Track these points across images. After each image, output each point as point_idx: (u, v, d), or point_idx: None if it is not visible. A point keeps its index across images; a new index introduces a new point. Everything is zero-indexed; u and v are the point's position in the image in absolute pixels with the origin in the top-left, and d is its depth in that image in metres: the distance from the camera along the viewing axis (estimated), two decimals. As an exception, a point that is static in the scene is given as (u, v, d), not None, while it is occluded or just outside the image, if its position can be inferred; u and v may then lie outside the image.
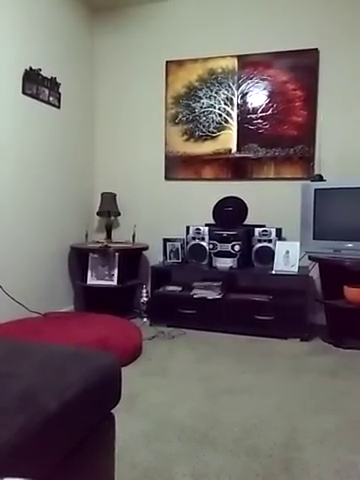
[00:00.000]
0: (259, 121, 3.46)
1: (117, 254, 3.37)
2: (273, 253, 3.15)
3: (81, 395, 0.97)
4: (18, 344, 1.21)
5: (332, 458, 1.53)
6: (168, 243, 3.43)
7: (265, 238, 3.23)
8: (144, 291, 3.45)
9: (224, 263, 3.22)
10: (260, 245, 3.23)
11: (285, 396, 2.06)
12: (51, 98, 3.25)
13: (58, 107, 3.36)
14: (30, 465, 0.82)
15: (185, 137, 3.66)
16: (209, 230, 3.32)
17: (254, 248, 3.24)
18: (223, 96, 3.54)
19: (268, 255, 3.18)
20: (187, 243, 3.40)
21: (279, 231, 3.26)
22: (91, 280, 3.40)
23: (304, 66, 3.33)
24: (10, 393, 0.90)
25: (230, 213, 3.33)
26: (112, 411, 1.18)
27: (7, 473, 0.77)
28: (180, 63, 3.63)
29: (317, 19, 3.31)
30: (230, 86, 3.52)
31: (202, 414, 1.86)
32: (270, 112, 3.43)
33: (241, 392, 2.10)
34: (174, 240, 3.42)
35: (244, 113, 3.49)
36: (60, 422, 0.91)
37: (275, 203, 3.45)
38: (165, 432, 1.70)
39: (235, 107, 3.51)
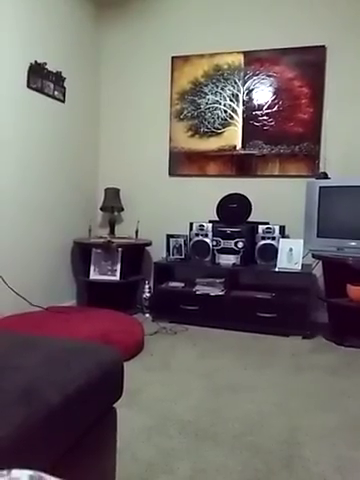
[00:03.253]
0: (264, 118, 3.44)
1: (120, 249, 3.37)
2: (276, 250, 3.15)
3: (84, 389, 0.97)
4: (21, 337, 1.22)
5: (333, 455, 1.53)
6: (171, 239, 3.43)
7: (269, 235, 3.22)
8: (147, 287, 3.46)
9: (227, 260, 3.22)
10: (263, 242, 3.23)
11: (286, 393, 2.07)
12: (56, 92, 3.25)
13: (63, 101, 3.35)
14: (32, 458, 0.82)
15: (190, 133, 3.65)
16: (213, 227, 3.32)
17: (257, 245, 3.24)
18: (229, 92, 3.52)
19: (271, 252, 3.18)
20: (190, 239, 3.40)
21: (283, 228, 3.25)
22: (94, 275, 3.40)
23: (311, 63, 3.31)
24: (13, 386, 0.90)
25: (234, 210, 3.32)
26: (114, 405, 1.18)
27: (10, 466, 0.77)
28: (186, 59, 3.62)
29: (324, 16, 3.28)
30: (236, 82, 3.50)
31: (203, 410, 1.86)
32: (276, 109, 3.41)
33: (242, 388, 2.10)
34: (177, 236, 3.42)
35: (249, 110, 3.48)
36: (62, 416, 0.91)
37: (279, 200, 3.44)
38: (166, 427, 1.70)
39: (240, 103, 3.50)
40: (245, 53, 3.46)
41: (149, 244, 3.61)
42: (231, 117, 3.53)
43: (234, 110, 3.51)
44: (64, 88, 3.34)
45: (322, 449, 1.58)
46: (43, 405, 0.87)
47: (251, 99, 3.47)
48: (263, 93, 3.44)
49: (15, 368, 0.98)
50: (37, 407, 0.86)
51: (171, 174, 3.73)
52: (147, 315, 3.39)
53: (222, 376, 2.25)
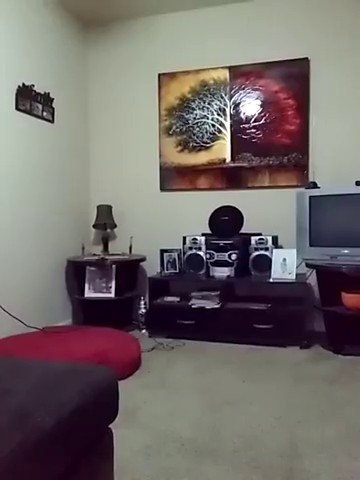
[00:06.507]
0: (252, 130, 3.48)
1: (114, 266, 3.36)
2: (270, 261, 3.16)
3: (77, 411, 0.97)
4: (14, 361, 1.21)
5: (334, 466, 1.52)
6: (165, 254, 3.43)
7: (262, 246, 3.23)
8: (142, 303, 3.45)
9: (221, 272, 3.22)
10: (257, 253, 3.24)
11: (285, 405, 2.05)
12: (45, 113, 3.27)
13: (52, 122, 3.38)
14: (27, 484, 0.81)
15: (179, 148, 3.68)
16: (206, 240, 3.32)
17: (251, 256, 3.25)
18: (216, 107, 3.57)
19: (265, 263, 3.19)
20: (184, 253, 3.40)
21: (275, 239, 3.27)
22: (89, 293, 3.39)
23: (295, 75, 3.37)
24: (6, 411, 0.89)
25: (226, 222, 3.33)
26: (110, 426, 1.17)
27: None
28: (172, 75, 3.67)
29: (306, 29, 3.36)
30: (222, 97, 3.55)
31: (202, 426, 1.85)
32: (263, 121, 3.46)
33: (241, 402, 2.09)
34: (171, 251, 3.42)
35: (237, 123, 3.52)
36: (56, 439, 0.90)
37: (271, 211, 3.46)
38: (165, 445, 1.68)
39: (228, 117, 3.54)
40: (230, 68, 3.51)
41: (143, 259, 3.61)
42: (219, 131, 3.57)
43: (222, 124, 3.56)
44: (53, 108, 3.37)
45: (323, 461, 1.56)
46: (36, 429, 0.86)
47: (238, 113, 3.52)
48: (250, 106, 3.49)
49: (8, 392, 0.98)
50: (30, 431, 0.85)
51: (162, 189, 3.75)
52: (143, 331, 3.37)
53: (220, 390, 2.24)
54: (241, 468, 1.52)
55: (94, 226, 3.77)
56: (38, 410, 0.91)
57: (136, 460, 1.58)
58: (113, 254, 3.62)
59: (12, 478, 0.78)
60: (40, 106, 3.21)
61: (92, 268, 3.39)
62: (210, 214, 3.40)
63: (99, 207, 3.73)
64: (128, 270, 3.52)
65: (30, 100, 3.09)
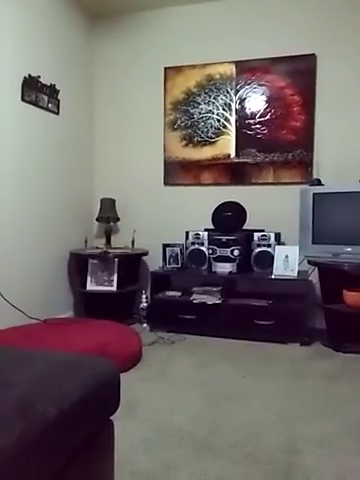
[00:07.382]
0: (257, 126, 3.47)
1: (116, 259, 3.37)
2: (272, 258, 3.16)
3: (79, 403, 0.97)
4: (16, 352, 1.21)
5: (333, 463, 1.53)
6: (167, 248, 3.43)
7: (264, 243, 3.23)
8: (144, 296, 3.46)
9: (223, 268, 3.22)
10: (259, 250, 3.23)
11: (285, 401, 2.06)
12: (50, 105, 3.27)
13: (57, 113, 3.37)
14: (28, 474, 0.82)
15: (184, 142, 3.67)
16: (208, 235, 3.32)
17: (253, 253, 3.25)
18: (221, 102, 3.55)
19: (267, 260, 3.19)
20: (186, 248, 3.41)
21: (278, 236, 3.27)
22: (91, 286, 3.40)
23: (301, 71, 3.35)
24: (8, 401, 0.90)
25: (229, 218, 3.33)
26: (111, 418, 1.18)
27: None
28: (178, 69, 3.65)
29: (313, 24, 3.33)
30: (228, 92, 3.53)
31: (202, 420, 1.85)
32: (268, 117, 3.44)
33: (241, 397, 2.09)
34: (173, 245, 3.42)
35: (242, 118, 3.51)
36: (58, 430, 0.90)
37: (274, 208, 3.46)
38: (165, 438, 1.69)
39: (233, 112, 3.53)
40: (237, 63, 3.50)
41: (145, 254, 3.61)
42: (224, 126, 3.55)
43: (227, 119, 3.54)
44: (58, 100, 3.36)
45: (322, 457, 1.57)
46: (38, 420, 0.87)
47: (244, 108, 3.50)
48: (255, 102, 3.47)
49: (10, 383, 0.98)
50: (32, 422, 0.85)
51: (166, 183, 3.75)
52: (145, 325, 3.38)
53: (220, 385, 2.24)
54: (240, 463, 1.53)
55: (97, 219, 3.77)
56: (40, 401, 0.91)
57: (136, 452, 1.59)
58: (115, 247, 3.63)
59: (14, 467, 0.79)
60: (46, 98, 3.20)
61: (94, 261, 3.39)
62: (213, 209, 3.39)
63: (103, 200, 3.73)
64: (130, 264, 3.52)
65: (36, 91, 3.09)
